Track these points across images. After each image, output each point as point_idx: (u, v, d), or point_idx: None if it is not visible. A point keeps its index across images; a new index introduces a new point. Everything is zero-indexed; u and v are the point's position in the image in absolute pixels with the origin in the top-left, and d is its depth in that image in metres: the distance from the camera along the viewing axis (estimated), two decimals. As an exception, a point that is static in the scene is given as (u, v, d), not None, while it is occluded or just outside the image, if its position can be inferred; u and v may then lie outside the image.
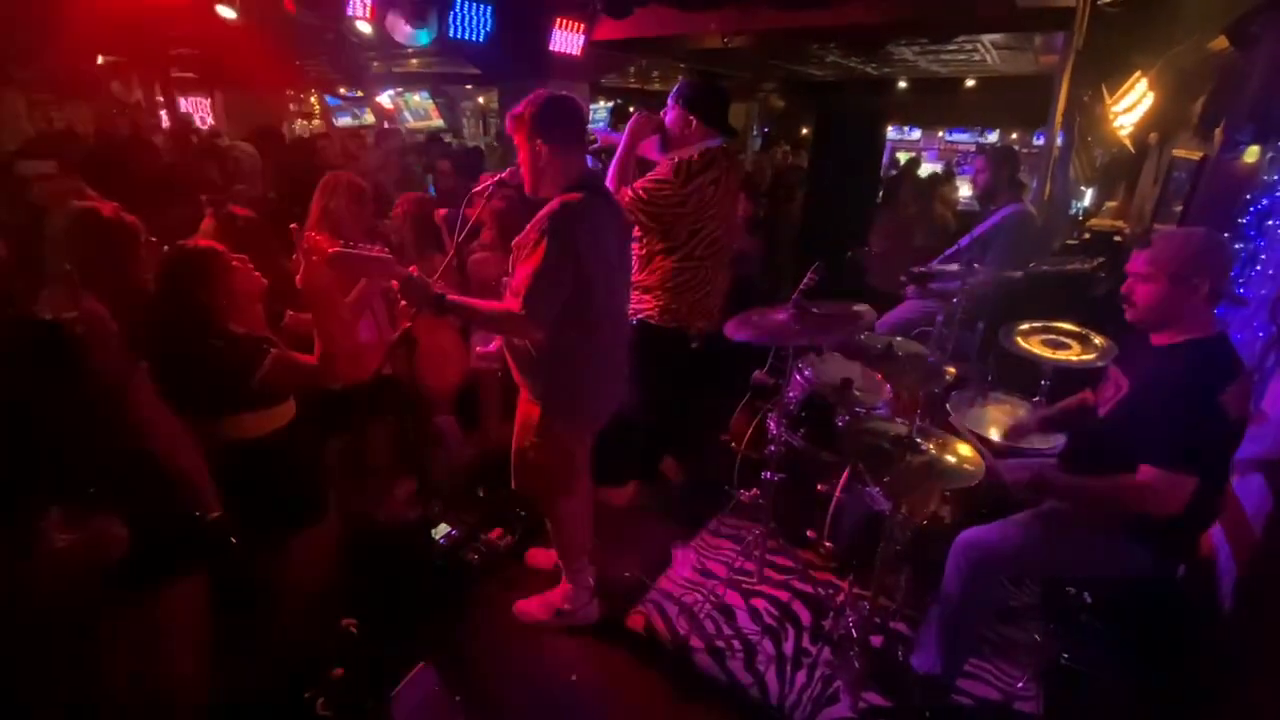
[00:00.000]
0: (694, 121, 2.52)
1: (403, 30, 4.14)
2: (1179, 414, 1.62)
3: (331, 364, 1.86)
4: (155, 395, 1.49)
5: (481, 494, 2.95)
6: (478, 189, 2.03)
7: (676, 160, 2.52)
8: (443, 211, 3.06)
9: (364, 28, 3.97)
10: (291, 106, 9.98)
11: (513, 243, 1.90)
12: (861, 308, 2.31)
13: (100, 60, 6.54)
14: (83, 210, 1.82)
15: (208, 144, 5.07)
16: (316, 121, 10.67)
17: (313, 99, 10.62)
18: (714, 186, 2.55)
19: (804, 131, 10.31)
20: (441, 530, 2.68)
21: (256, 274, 1.81)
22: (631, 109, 11.54)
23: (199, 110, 8.84)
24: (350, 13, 3.58)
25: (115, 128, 5.44)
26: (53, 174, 2.63)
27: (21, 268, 2.01)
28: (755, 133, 11.19)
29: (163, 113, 8.26)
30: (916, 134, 10.88)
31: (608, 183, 2.50)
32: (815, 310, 2.23)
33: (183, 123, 7.22)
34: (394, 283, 1.82)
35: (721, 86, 2.63)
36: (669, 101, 2.57)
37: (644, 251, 2.67)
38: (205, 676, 1.59)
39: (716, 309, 2.81)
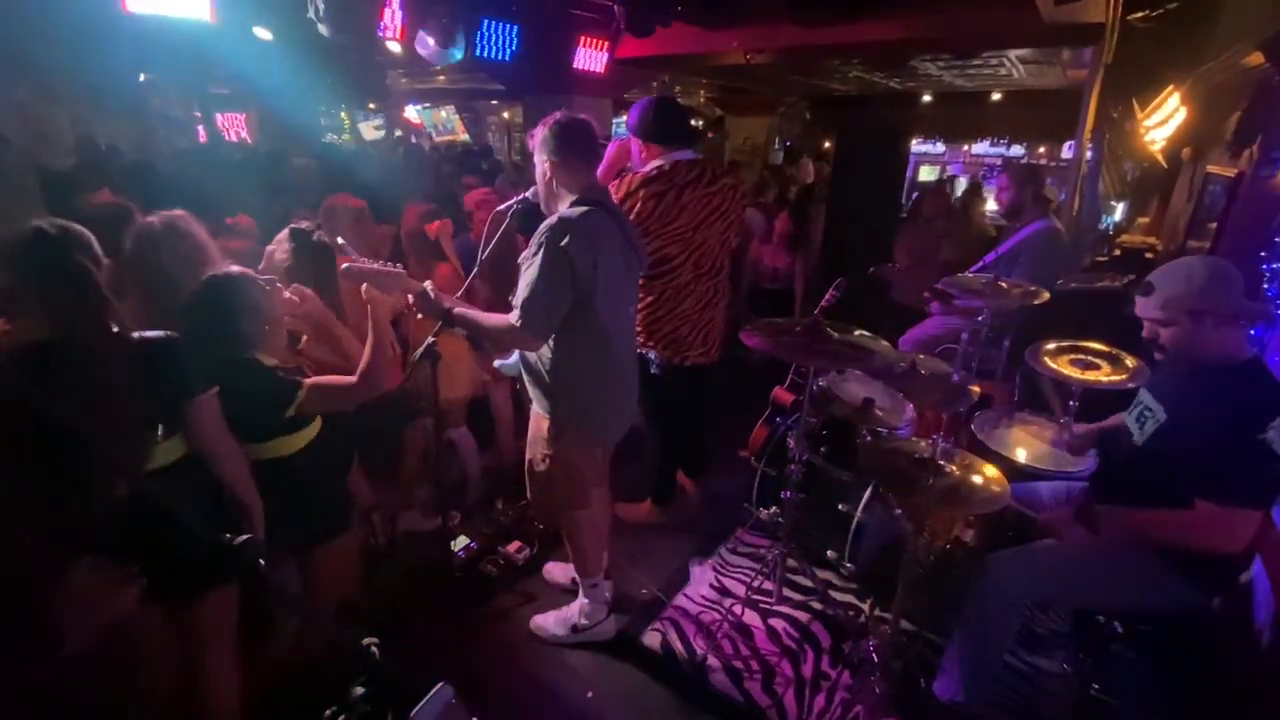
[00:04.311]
0: (643, 147, 2.47)
1: (431, 50, 4.24)
2: (1227, 446, 1.55)
3: (374, 377, 1.78)
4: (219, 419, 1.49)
5: (499, 507, 2.97)
6: (501, 207, 2.07)
7: (625, 177, 2.49)
8: (435, 225, 3.07)
9: (394, 47, 4.07)
10: (322, 121, 10.26)
11: (518, 258, 1.93)
12: (878, 345, 2.24)
13: (142, 78, 6.81)
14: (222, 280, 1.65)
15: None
16: (346, 135, 10.96)
17: (342, 114, 10.92)
18: (655, 200, 2.41)
19: (825, 145, 10.30)
20: (460, 542, 2.70)
21: (283, 294, 1.80)
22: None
23: (234, 125, 9.20)
24: (380, 33, 3.69)
25: (156, 143, 5.64)
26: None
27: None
28: (777, 146, 11.20)
29: (199, 128, 8.57)
30: (941, 147, 10.77)
31: None
32: (833, 334, 2.21)
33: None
34: (408, 296, 1.85)
35: (668, 98, 2.52)
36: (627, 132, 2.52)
37: None
38: (238, 689, 1.61)
39: (696, 339, 2.65)
